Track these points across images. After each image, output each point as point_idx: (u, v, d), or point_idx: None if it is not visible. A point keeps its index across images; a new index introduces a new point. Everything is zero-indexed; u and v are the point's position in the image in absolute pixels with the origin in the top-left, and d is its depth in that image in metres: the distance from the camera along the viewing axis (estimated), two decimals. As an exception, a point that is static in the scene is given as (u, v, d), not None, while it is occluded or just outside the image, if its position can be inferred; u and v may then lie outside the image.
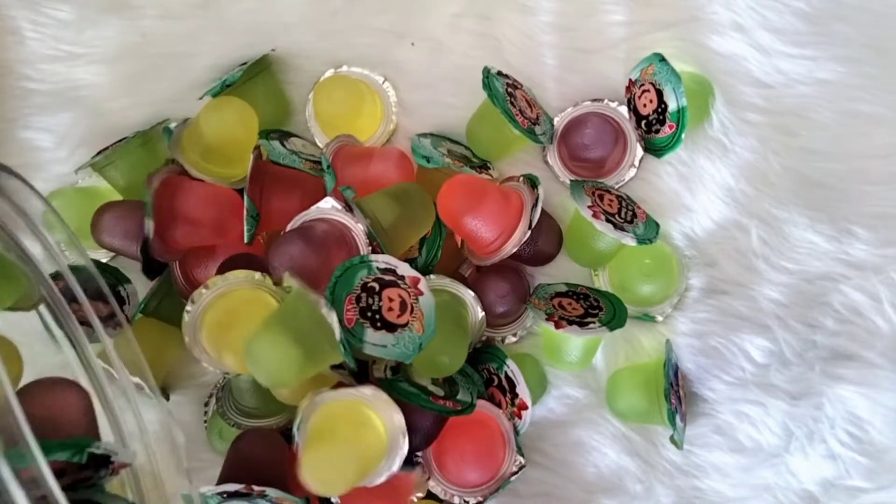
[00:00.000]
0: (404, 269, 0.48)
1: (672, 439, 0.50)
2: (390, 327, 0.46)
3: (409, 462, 0.51)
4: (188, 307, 0.49)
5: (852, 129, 0.53)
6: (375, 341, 0.46)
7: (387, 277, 0.47)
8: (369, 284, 0.47)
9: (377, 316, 0.46)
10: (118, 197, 0.56)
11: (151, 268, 0.52)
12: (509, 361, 0.53)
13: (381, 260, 0.48)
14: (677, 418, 0.50)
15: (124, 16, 0.60)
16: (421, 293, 0.47)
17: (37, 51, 0.60)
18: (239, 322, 0.47)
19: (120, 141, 0.56)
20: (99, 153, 0.56)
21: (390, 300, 0.47)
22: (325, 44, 0.58)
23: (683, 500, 0.54)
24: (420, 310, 0.47)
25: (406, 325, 0.46)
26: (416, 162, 0.53)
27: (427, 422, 0.49)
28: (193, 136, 0.53)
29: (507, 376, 0.53)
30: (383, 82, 0.58)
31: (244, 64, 0.57)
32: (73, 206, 0.56)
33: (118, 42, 0.59)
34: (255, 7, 0.59)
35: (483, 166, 0.56)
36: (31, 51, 0.60)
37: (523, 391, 0.53)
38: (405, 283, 0.47)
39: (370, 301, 0.47)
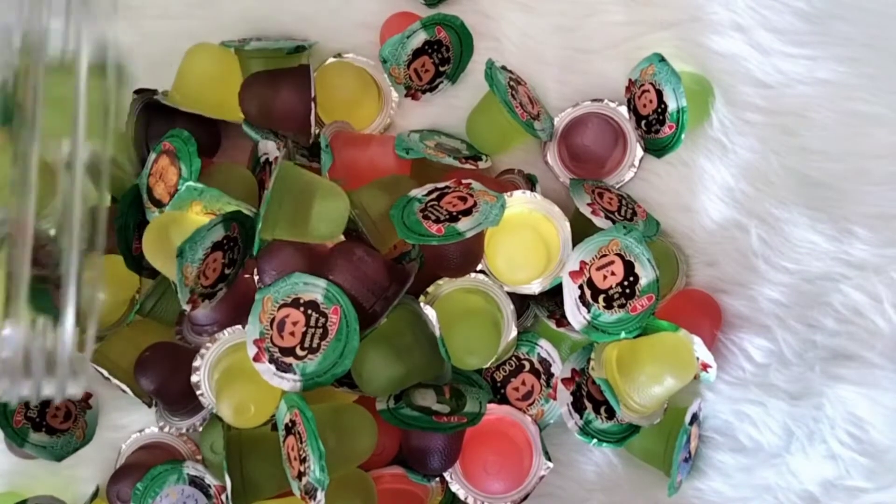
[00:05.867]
0: None
1: (669, 486, 0.51)
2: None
3: (424, 475, 0.51)
4: (209, 343, 0.50)
5: (852, 129, 0.53)
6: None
7: None
8: None
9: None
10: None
11: (140, 265, 0.52)
12: (542, 341, 0.54)
13: None
14: (678, 475, 0.50)
15: (124, 16, 0.60)
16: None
17: (37, 51, 0.60)
18: (244, 377, 0.49)
19: None
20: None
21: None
22: (326, 42, 0.59)
23: (683, 500, 0.54)
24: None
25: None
26: (397, 153, 0.54)
27: (440, 442, 0.50)
28: (181, 89, 0.54)
29: (540, 358, 0.54)
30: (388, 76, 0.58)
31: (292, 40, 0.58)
32: None
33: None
34: (254, 6, 0.59)
35: (474, 158, 0.56)
36: (31, 51, 0.60)
37: (559, 370, 0.53)
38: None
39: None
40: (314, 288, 0.48)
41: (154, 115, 0.55)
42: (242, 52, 0.55)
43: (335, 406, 0.50)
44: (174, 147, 0.51)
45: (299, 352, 0.47)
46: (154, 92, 0.55)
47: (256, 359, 0.47)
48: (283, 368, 0.47)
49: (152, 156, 0.53)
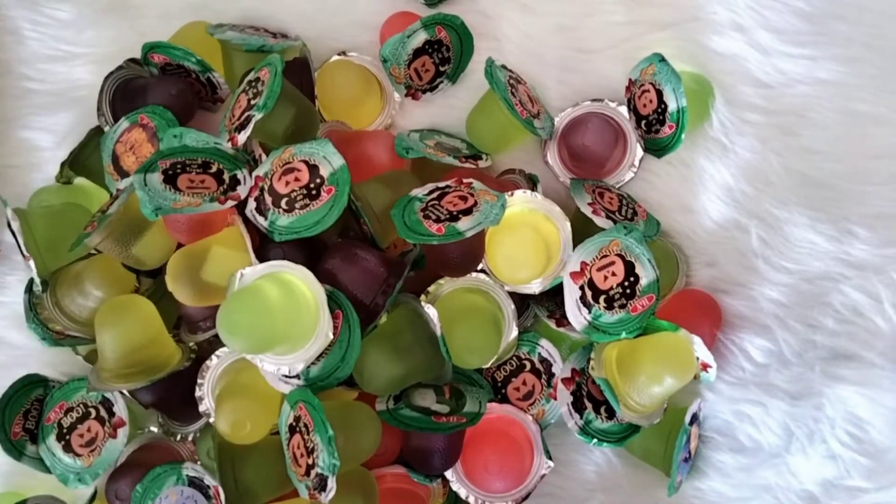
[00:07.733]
0: None
1: (669, 486, 0.51)
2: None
3: (425, 475, 0.51)
4: (218, 352, 0.50)
5: (852, 129, 0.53)
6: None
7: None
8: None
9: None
10: (101, 192, 0.56)
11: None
12: (543, 341, 0.54)
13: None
14: (678, 475, 0.50)
15: (124, 16, 0.60)
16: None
17: (37, 51, 0.60)
18: (243, 393, 0.49)
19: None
20: (69, 157, 0.56)
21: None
22: (325, 41, 0.59)
23: (683, 500, 0.54)
24: None
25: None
26: (398, 153, 0.54)
27: (440, 442, 0.50)
28: None
29: (541, 358, 0.54)
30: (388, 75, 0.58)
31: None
32: (57, 201, 0.56)
33: (118, 42, 0.59)
34: (254, 6, 0.59)
35: (474, 157, 0.56)
36: (31, 51, 0.60)
37: (560, 370, 0.53)
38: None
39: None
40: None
41: (127, 95, 0.55)
42: (224, 43, 0.56)
43: (339, 404, 0.50)
44: (155, 126, 0.51)
45: None
46: (131, 69, 0.55)
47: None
48: (288, 373, 0.47)
49: (124, 123, 0.52)
